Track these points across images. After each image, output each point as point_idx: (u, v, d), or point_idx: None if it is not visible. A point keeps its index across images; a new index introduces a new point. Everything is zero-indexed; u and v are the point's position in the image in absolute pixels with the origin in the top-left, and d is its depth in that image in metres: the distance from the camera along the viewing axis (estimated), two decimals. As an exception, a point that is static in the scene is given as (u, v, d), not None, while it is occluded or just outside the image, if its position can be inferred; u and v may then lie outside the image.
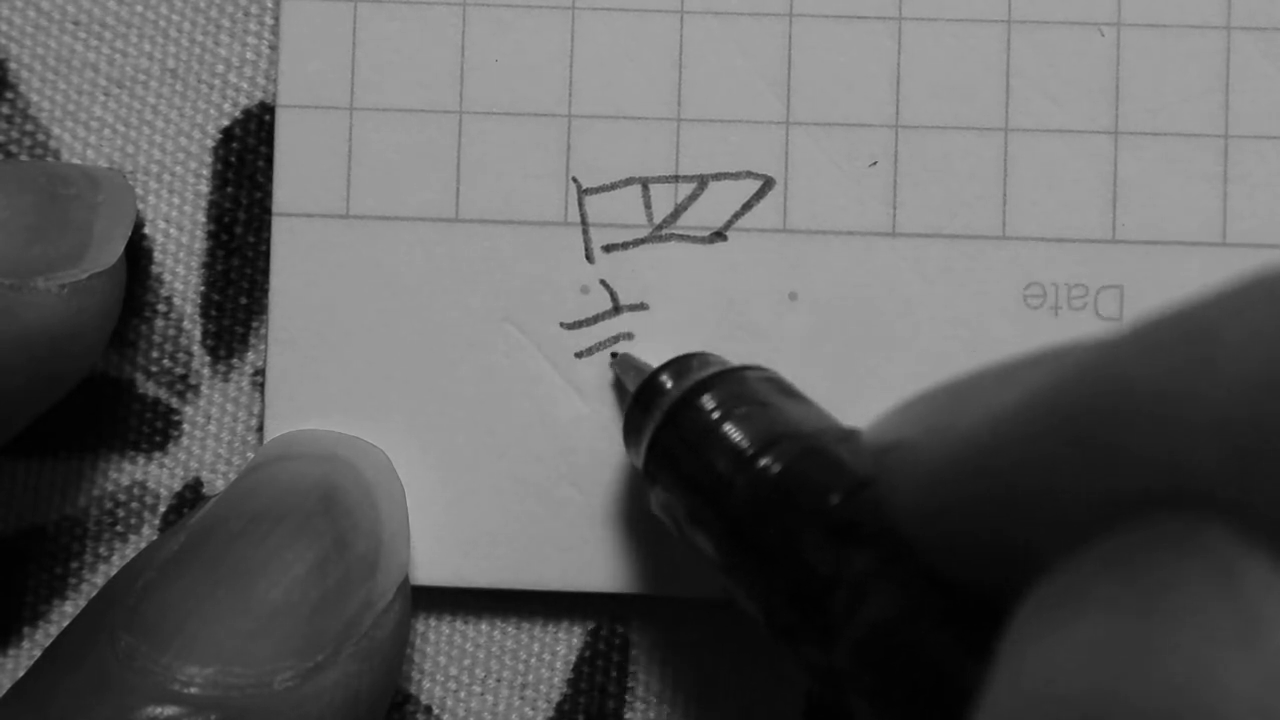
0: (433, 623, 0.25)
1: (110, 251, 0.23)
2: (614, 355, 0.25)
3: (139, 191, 0.26)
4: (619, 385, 0.25)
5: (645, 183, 0.25)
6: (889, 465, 0.18)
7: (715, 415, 0.21)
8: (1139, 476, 0.14)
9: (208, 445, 0.26)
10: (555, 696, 0.25)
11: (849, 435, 0.20)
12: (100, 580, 0.25)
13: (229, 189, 0.26)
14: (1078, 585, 0.14)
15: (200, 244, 0.26)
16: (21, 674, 0.23)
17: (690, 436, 0.21)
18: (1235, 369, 0.13)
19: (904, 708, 0.16)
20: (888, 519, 0.17)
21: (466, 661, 0.25)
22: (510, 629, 0.25)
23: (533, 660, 0.25)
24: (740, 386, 0.22)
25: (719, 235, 0.25)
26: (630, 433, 0.23)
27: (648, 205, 0.25)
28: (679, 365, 0.23)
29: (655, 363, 0.23)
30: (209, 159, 0.26)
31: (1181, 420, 0.13)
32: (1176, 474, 0.13)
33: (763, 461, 0.20)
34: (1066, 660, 0.13)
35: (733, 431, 0.21)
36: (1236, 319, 0.13)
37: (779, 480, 0.20)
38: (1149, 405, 0.14)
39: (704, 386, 0.22)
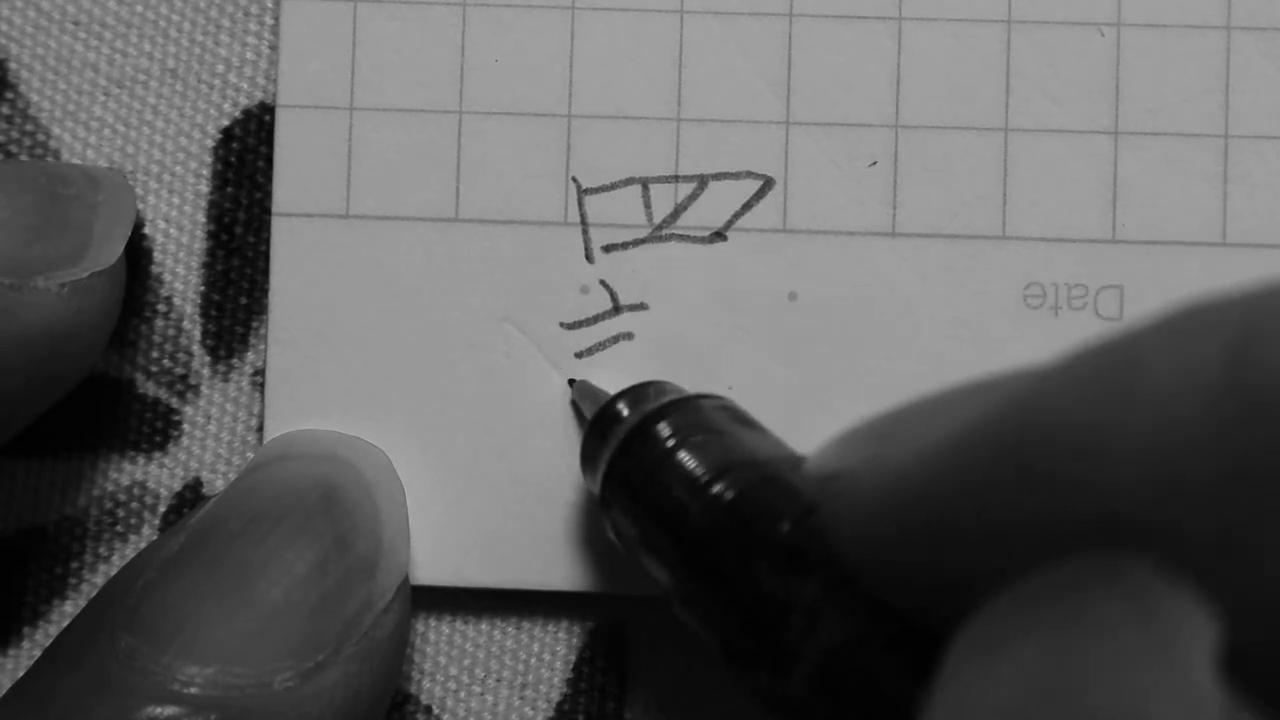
0: (433, 623, 0.25)
1: (110, 251, 0.23)
2: (571, 382, 0.25)
3: (139, 191, 0.26)
4: (577, 410, 0.25)
5: (645, 183, 0.25)
6: (830, 494, 0.18)
7: (670, 443, 0.21)
8: (1068, 505, 0.14)
9: (208, 445, 0.26)
10: (555, 696, 0.25)
11: (802, 463, 0.20)
12: (100, 580, 0.25)
13: (229, 189, 0.26)
14: (1008, 617, 0.14)
15: (200, 244, 0.26)
16: (21, 674, 0.23)
17: (645, 464, 0.21)
18: (1157, 400, 0.13)
19: None
20: (833, 546, 0.17)
21: (466, 661, 0.25)
22: (510, 629, 0.25)
23: (533, 660, 0.25)
24: (695, 415, 0.22)
25: (719, 235, 0.25)
26: (586, 459, 0.23)
27: (648, 205, 0.25)
28: (635, 393, 0.23)
29: (614, 389, 0.23)
30: (209, 159, 0.26)
31: (1107, 450, 0.13)
32: (1104, 503, 0.14)
33: (716, 488, 0.20)
34: (994, 692, 0.13)
35: (687, 459, 0.21)
36: (1159, 350, 0.14)
37: (732, 507, 0.20)
38: (1075, 435, 0.14)
39: (659, 414, 0.22)
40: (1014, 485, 0.14)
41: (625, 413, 0.23)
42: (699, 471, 0.20)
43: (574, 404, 0.25)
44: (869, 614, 0.17)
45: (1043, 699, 0.13)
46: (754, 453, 0.21)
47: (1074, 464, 0.14)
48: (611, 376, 0.24)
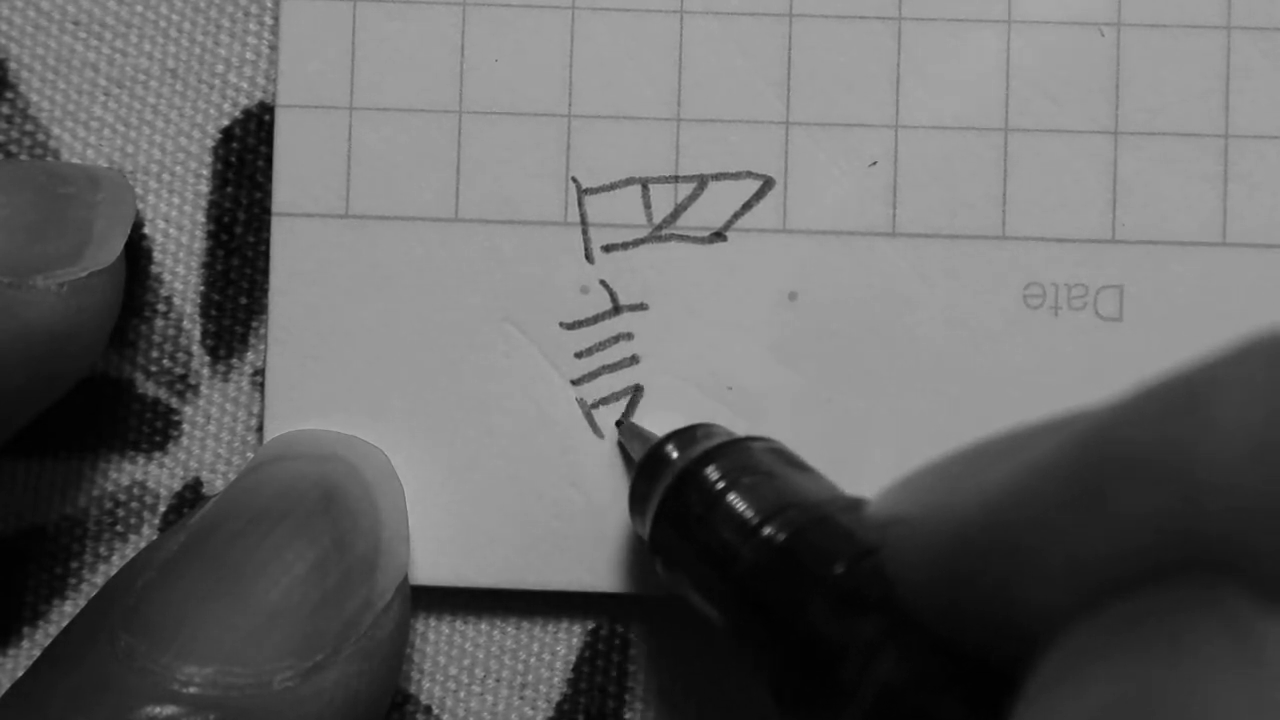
0: (433, 623, 0.25)
1: (109, 250, 0.23)
2: (619, 423, 0.25)
3: (139, 191, 0.26)
4: (623, 452, 0.25)
5: (645, 183, 0.25)
6: (892, 537, 0.18)
7: (720, 485, 0.21)
8: (1146, 540, 0.14)
9: (208, 445, 0.26)
10: (555, 696, 0.25)
11: (854, 504, 0.20)
12: (100, 580, 0.25)
13: (229, 189, 0.26)
14: (1091, 648, 0.14)
15: (200, 244, 0.26)
16: (21, 674, 0.23)
17: (696, 507, 0.21)
18: (1236, 431, 0.13)
19: None
20: (891, 588, 0.17)
21: (466, 661, 0.25)
22: (510, 629, 0.25)
23: (533, 660, 0.25)
24: (745, 457, 0.22)
25: (719, 235, 0.25)
26: (636, 503, 0.23)
27: (647, 205, 0.25)
28: (684, 436, 0.23)
29: (660, 431, 0.23)
30: (209, 159, 0.26)
31: (1185, 483, 0.13)
32: (1184, 537, 0.13)
33: (767, 530, 0.20)
34: (1083, 715, 0.13)
35: (737, 501, 0.21)
36: (1235, 381, 0.13)
37: (784, 549, 0.20)
38: (1153, 469, 0.14)
39: (709, 457, 0.22)
40: (1087, 521, 0.14)
41: (674, 455, 0.23)
42: (749, 514, 0.21)
43: (620, 445, 0.25)
44: (928, 653, 0.17)
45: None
46: (804, 494, 0.21)
47: (1151, 499, 0.14)
48: (656, 417, 0.25)
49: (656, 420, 0.25)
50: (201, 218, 0.26)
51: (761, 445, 0.22)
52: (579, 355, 0.25)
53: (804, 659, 0.18)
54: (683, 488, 0.22)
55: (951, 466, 0.17)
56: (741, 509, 0.21)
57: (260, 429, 0.25)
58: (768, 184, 0.25)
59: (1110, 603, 0.14)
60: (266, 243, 0.25)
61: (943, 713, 0.16)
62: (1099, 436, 0.14)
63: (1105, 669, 0.13)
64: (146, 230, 0.26)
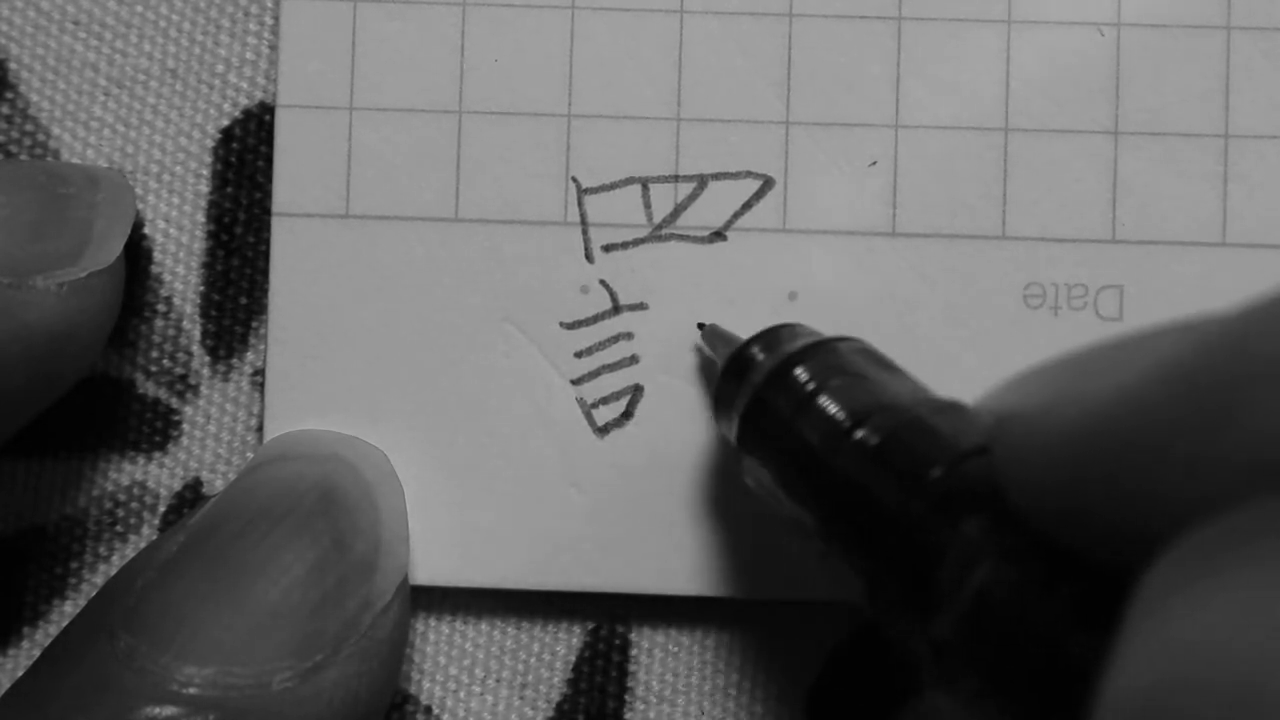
0: (433, 623, 0.25)
1: (109, 250, 0.23)
2: (701, 326, 0.25)
3: (139, 191, 0.26)
4: (703, 357, 0.25)
5: (645, 183, 0.25)
6: (1007, 436, 0.17)
7: (810, 387, 0.21)
8: (1273, 449, 0.14)
9: (208, 445, 0.26)
10: (555, 696, 0.25)
11: (947, 407, 0.20)
12: (100, 580, 0.25)
13: (229, 189, 0.26)
14: (1215, 553, 0.13)
15: (200, 244, 0.26)
16: (21, 674, 0.23)
17: (784, 410, 0.21)
18: None
19: (1015, 680, 0.16)
20: (996, 489, 0.17)
21: (466, 661, 0.25)
22: (510, 629, 0.25)
23: (533, 660, 0.25)
24: (834, 358, 0.21)
25: (719, 235, 0.25)
26: (721, 405, 0.23)
27: (647, 205, 0.25)
28: (770, 337, 0.23)
29: (743, 335, 0.23)
30: (209, 159, 0.26)
31: None
32: None
33: (860, 434, 0.20)
34: (1210, 636, 0.13)
35: (828, 404, 0.20)
36: None
37: (877, 452, 0.19)
38: None
39: (797, 359, 0.21)
40: (1214, 424, 0.14)
41: (760, 357, 0.22)
42: (841, 416, 0.20)
43: (698, 349, 0.25)
44: (1029, 557, 0.16)
45: (1266, 624, 0.12)
46: (895, 397, 0.20)
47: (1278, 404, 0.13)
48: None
49: (659, 418, 0.25)
50: (201, 218, 0.26)
51: (850, 345, 0.22)
52: (579, 355, 0.25)
53: (899, 563, 0.18)
54: (771, 389, 0.21)
55: (1073, 365, 0.17)
56: (833, 411, 0.20)
57: (260, 429, 0.25)
58: (768, 184, 0.25)
59: (1232, 509, 0.14)
60: (266, 243, 0.25)
61: (1044, 618, 0.16)
62: (1225, 342, 0.14)
63: (1223, 578, 0.13)
64: (146, 230, 0.26)
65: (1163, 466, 0.15)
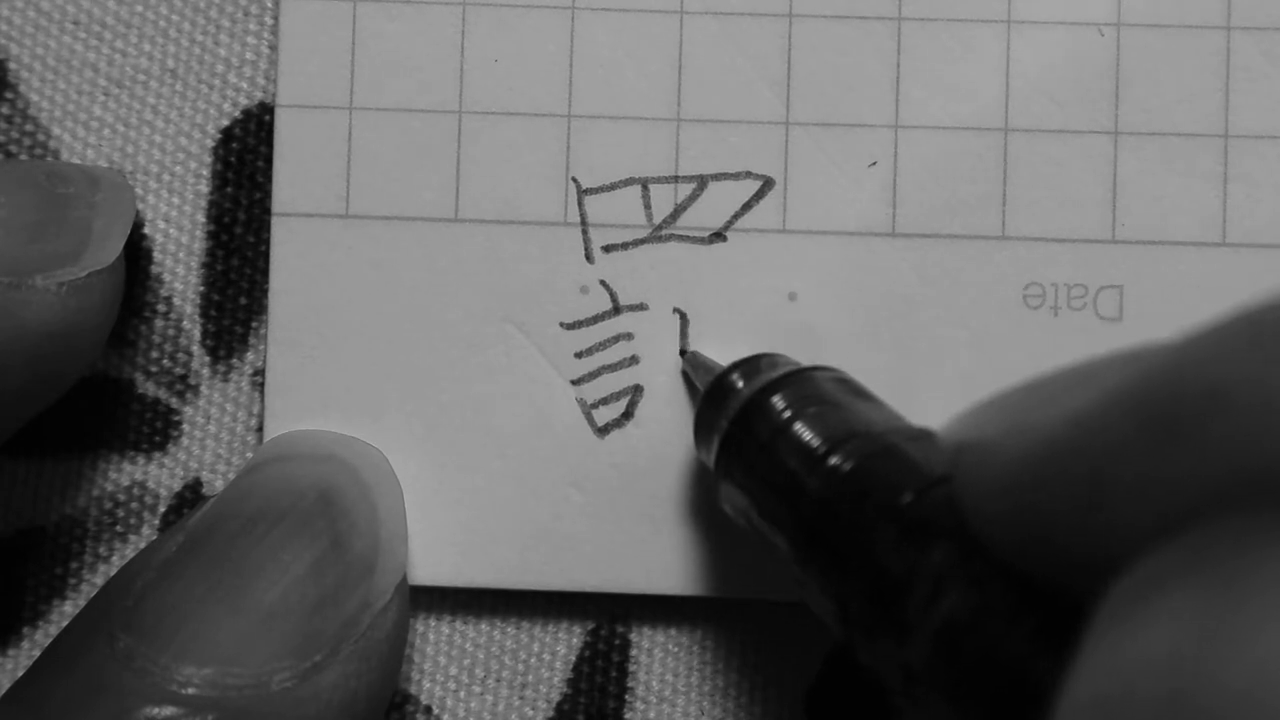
0: (433, 623, 0.25)
1: (109, 250, 0.23)
2: (683, 353, 0.25)
3: (139, 191, 0.26)
4: (688, 381, 0.25)
5: (645, 183, 0.25)
6: (964, 464, 0.18)
7: (786, 415, 0.21)
8: (1224, 469, 0.14)
9: (208, 445, 0.26)
10: (555, 696, 0.25)
11: (919, 435, 0.20)
12: (100, 580, 0.25)
13: (229, 189, 0.26)
14: (1162, 577, 0.14)
15: (200, 244, 0.26)
16: (21, 674, 0.23)
17: (762, 436, 0.21)
18: None
19: (980, 704, 0.16)
20: (961, 516, 0.18)
21: (466, 661, 0.25)
22: (510, 629, 0.25)
23: (533, 660, 0.25)
24: (810, 387, 0.22)
25: (719, 235, 0.25)
26: (701, 430, 0.23)
27: (647, 205, 0.25)
28: (749, 365, 0.23)
29: (723, 361, 0.24)
30: (209, 159, 0.26)
31: (1267, 414, 0.13)
32: (1262, 467, 0.13)
33: (834, 460, 0.20)
34: (1150, 651, 0.13)
35: (803, 431, 0.21)
36: None
37: (850, 478, 0.20)
38: (1235, 399, 0.14)
39: (775, 387, 0.22)
40: (1166, 449, 0.14)
41: (740, 384, 0.23)
42: (815, 443, 0.21)
43: (684, 375, 0.25)
44: (995, 584, 0.17)
45: (1208, 647, 0.12)
46: (869, 424, 0.21)
47: (1232, 429, 0.14)
48: (719, 349, 0.25)
49: (659, 418, 0.25)
50: (201, 218, 0.26)
51: (826, 375, 0.22)
52: (579, 355, 0.25)
53: (870, 588, 0.18)
54: (749, 416, 0.22)
55: (1026, 393, 0.17)
56: (808, 438, 0.21)
57: (260, 429, 0.25)
58: (768, 184, 0.25)
59: (1184, 532, 0.14)
60: (266, 243, 0.25)
61: (1009, 643, 0.16)
62: (1177, 368, 0.14)
63: (1175, 601, 0.13)
64: (146, 230, 0.26)
65: (1111, 492, 0.15)
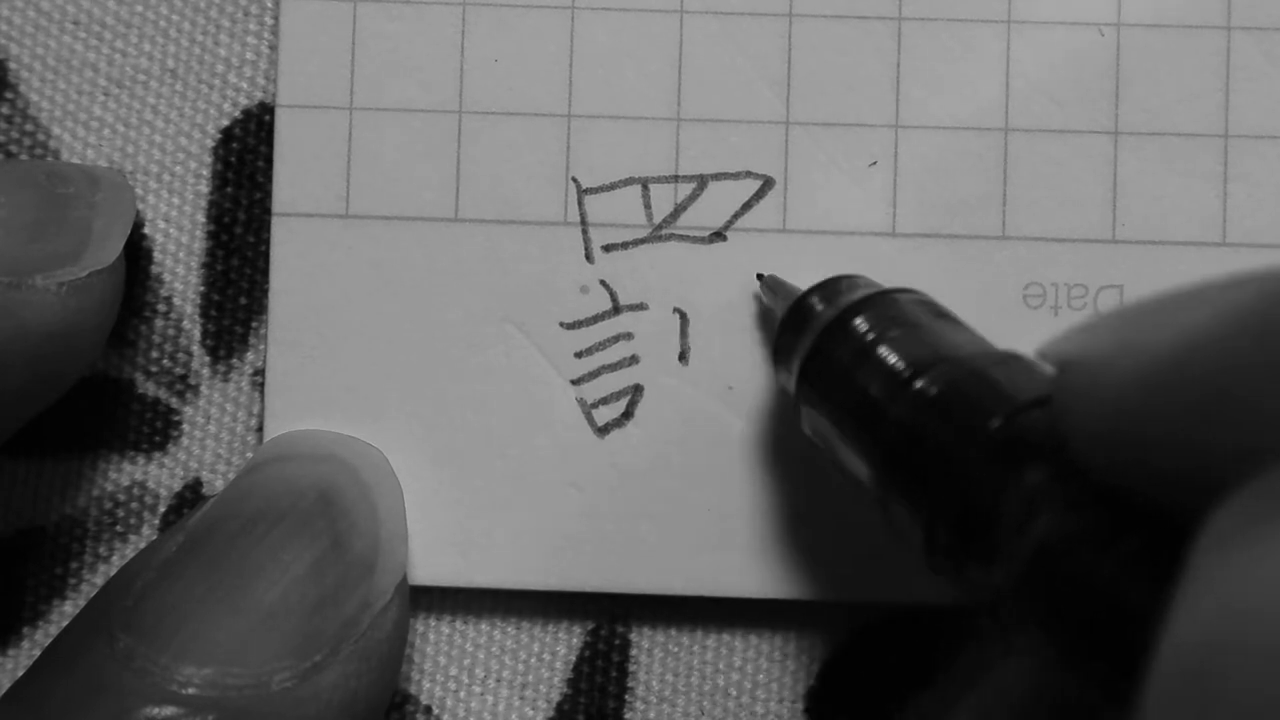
0: (433, 623, 0.25)
1: (109, 250, 0.23)
2: (760, 276, 0.25)
3: (139, 191, 0.26)
4: (761, 306, 0.25)
5: (645, 183, 0.25)
6: (1071, 383, 0.17)
7: (869, 337, 0.21)
8: None
9: (208, 445, 0.26)
10: (555, 696, 0.25)
11: (1006, 358, 0.20)
12: (100, 580, 0.25)
13: (229, 189, 0.26)
14: (1272, 501, 0.13)
15: (200, 244, 0.26)
16: (21, 674, 0.23)
17: (844, 359, 0.21)
18: None
19: (1076, 630, 0.16)
20: (1059, 437, 0.17)
21: (466, 661, 0.25)
22: (510, 629, 0.25)
23: (533, 660, 0.25)
24: (893, 309, 0.21)
25: (719, 235, 0.25)
26: (780, 355, 0.23)
27: (647, 205, 0.25)
28: (829, 288, 0.23)
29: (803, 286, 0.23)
30: (209, 159, 0.26)
31: None
32: None
33: (919, 383, 0.20)
34: (1264, 589, 0.12)
35: (888, 354, 0.21)
36: None
37: (937, 401, 0.19)
38: None
39: (856, 309, 0.21)
40: None
41: (820, 307, 0.22)
42: (900, 366, 0.20)
43: (758, 298, 0.25)
44: (1092, 506, 0.16)
45: None
46: (955, 347, 0.20)
47: None
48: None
49: (659, 418, 0.25)
50: (201, 218, 0.26)
51: (909, 297, 0.22)
52: (579, 355, 0.25)
53: (958, 513, 0.18)
54: (831, 340, 0.21)
55: (1137, 313, 0.17)
56: (892, 361, 0.20)
57: (260, 429, 0.25)
58: (768, 184, 0.25)
59: None
60: (266, 243, 0.25)
61: (1105, 568, 0.16)
62: None
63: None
64: (146, 230, 0.26)
65: (1227, 413, 0.14)
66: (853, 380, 0.21)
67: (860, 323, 0.21)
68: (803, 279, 0.25)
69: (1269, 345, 0.14)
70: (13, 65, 0.26)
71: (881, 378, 0.20)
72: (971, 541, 0.18)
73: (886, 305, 0.22)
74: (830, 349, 0.21)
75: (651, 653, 0.25)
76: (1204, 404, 0.15)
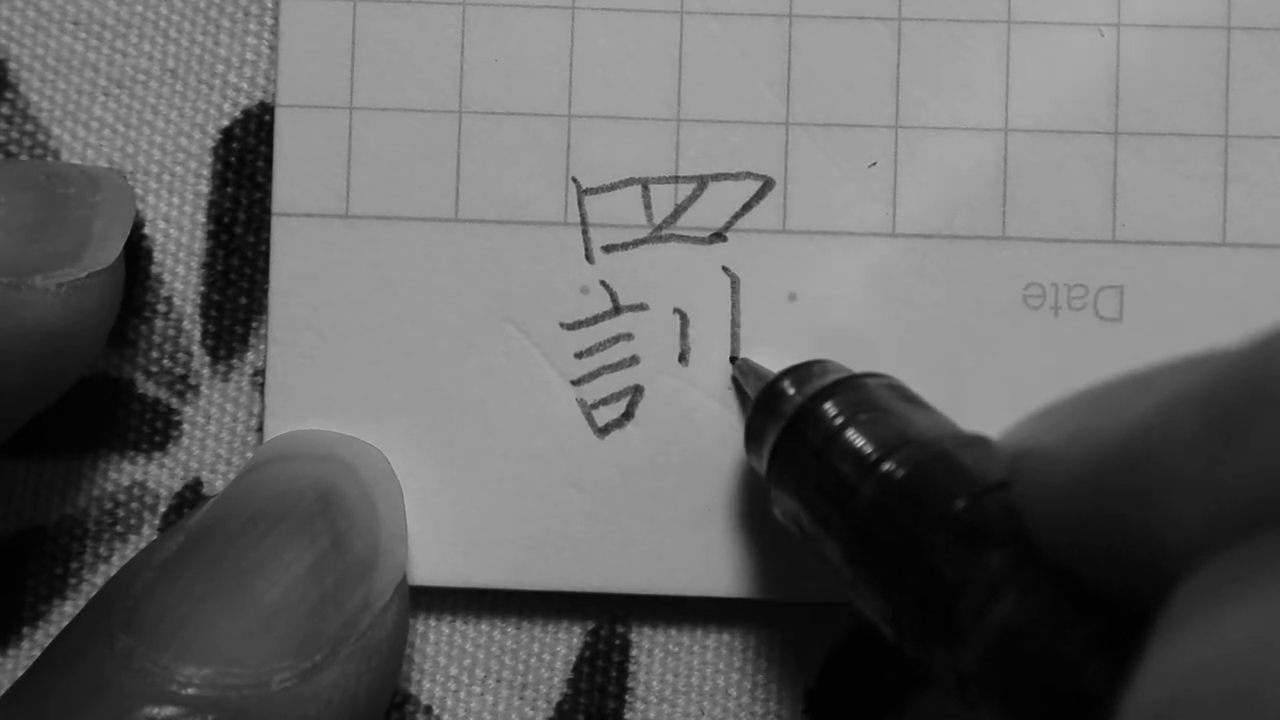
0: (433, 623, 0.25)
1: (109, 250, 0.23)
2: (733, 360, 0.25)
3: (139, 191, 0.26)
4: (738, 388, 0.25)
5: (645, 183, 0.25)
6: (1025, 470, 0.18)
7: (838, 421, 0.21)
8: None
9: (208, 445, 0.26)
10: (555, 696, 0.25)
11: (972, 441, 0.20)
12: (100, 580, 0.25)
13: (229, 189, 0.26)
14: (1230, 580, 0.14)
15: (200, 244, 0.26)
16: (21, 674, 0.23)
17: (813, 442, 0.21)
18: None
19: (1036, 710, 0.16)
20: (1018, 523, 0.18)
21: (466, 661, 0.25)
22: (510, 629, 0.25)
23: (533, 660, 0.25)
24: (862, 393, 0.22)
25: (719, 236, 0.25)
26: (752, 438, 0.23)
27: (647, 206, 0.25)
28: (800, 372, 0.23)
29: (776, 368, 0.23)
30: (209, 159, 0.26)
31: None
32: None
33: (886, 466, 0.20)
34: (1219, 652, 0.13)
35: (856, 437, 0.21)
36: None
37: (903, 484, 0.20)
38: None
39: (826, 393, 0.22)
40: (1233, 450, 0.14)
41: (791, 391, 0.23)
42: (868, 449, 0.21)
43: (734, 381, 0.25)
44: (1051, 589, 0.17)
45: (1272, 660, 0.12)
46: (922, 430, 0.21)
47: None
48: (770, 355, 0.25)
49: (659, 418, 0.25)
50: (201, 218, 0.26)
51: (878, 381, 0.22)
52: (579, 355, 0.25)
53: (923, 594, 0.18)
54: (801, 423, 0.22)
55: (1086, 400, 0.17)
56: (860, 444, 0.21)
57: (260, 429, 0.25)
58: (768, 184, 0.25)
59: (1248, 539, 0.14)
60: (266, 243, 0.25)
61: (1065, 649, 0.16)
62: (1242, 372, 0.14)
63: (1244, 603, 0.13)
64: (146, 230, 0.26)
65: (1175, 497, 0.15)
66: (822, 463, 0.21)
67: (830, 407, 0.22)
68: (803, 279, 0.25)
69: (1213, 425, 0.14)
70: (13, 65, 0.26)
71: (849, 461, 0.21)
72: (938, 622, 0.18)
73: (855, 390, 0.22)
74: (800, 432, 0.22)
75: (651, 653, 0.25)
76: (1149, 491, 0.15)
